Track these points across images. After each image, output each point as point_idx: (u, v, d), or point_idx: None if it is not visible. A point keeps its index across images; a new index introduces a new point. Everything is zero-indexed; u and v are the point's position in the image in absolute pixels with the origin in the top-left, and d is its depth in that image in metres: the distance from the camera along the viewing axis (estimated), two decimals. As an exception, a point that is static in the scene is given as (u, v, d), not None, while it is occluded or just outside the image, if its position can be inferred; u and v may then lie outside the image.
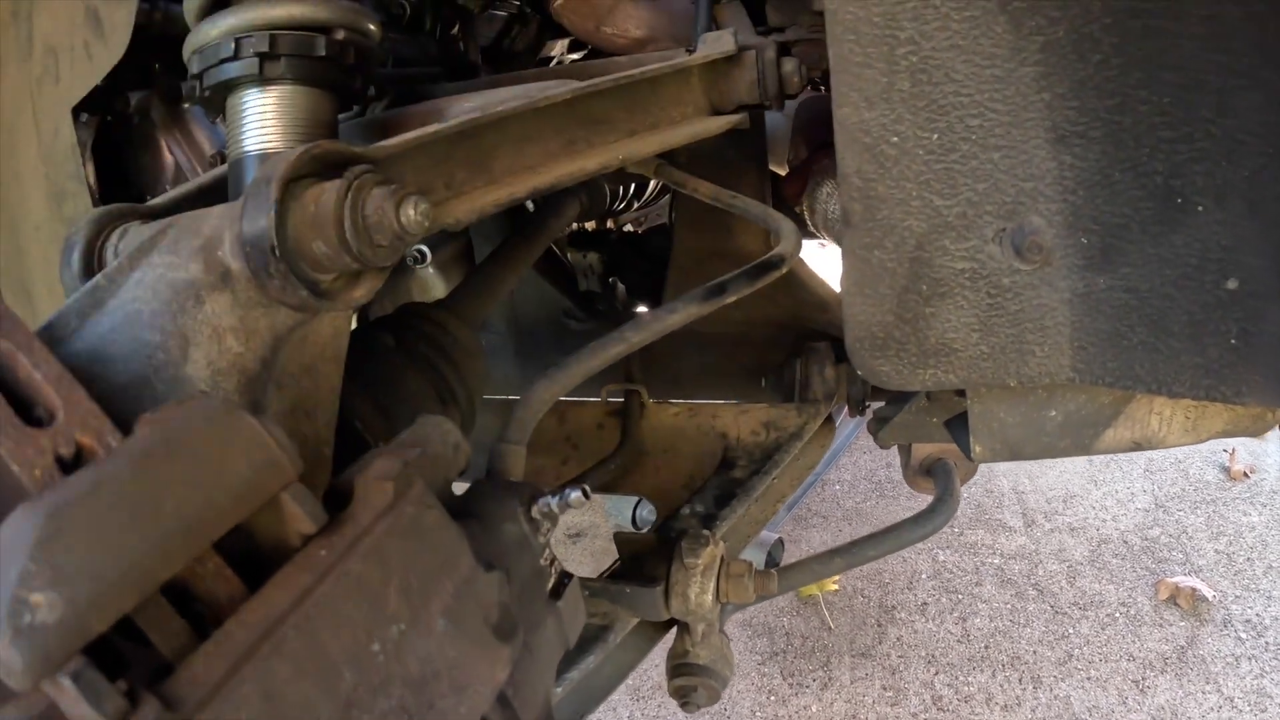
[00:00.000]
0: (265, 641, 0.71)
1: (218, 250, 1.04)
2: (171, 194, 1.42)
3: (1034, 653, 4.24)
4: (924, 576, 4.84)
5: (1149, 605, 4.48)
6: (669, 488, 2.19)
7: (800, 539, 5.32)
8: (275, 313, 1.07)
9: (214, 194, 1.44)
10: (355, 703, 0.76)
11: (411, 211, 1.06)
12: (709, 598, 1.74)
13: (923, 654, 4.31)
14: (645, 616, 1.81)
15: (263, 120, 1.40)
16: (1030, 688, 4.04)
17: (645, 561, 1.80)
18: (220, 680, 0.68)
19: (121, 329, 0.99)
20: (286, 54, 1.37)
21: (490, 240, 2.62)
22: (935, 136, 1.37)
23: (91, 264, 1.24)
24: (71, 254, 1.23)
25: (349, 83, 1.47)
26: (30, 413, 0.79)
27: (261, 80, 1.39)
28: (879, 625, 4.54)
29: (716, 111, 1.80)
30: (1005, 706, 3.96)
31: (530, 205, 2.31)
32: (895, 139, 1.39)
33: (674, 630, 1.91)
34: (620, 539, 1.88)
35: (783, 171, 2.80)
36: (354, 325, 1.33)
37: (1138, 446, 1.70)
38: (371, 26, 1.49)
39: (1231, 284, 1.30)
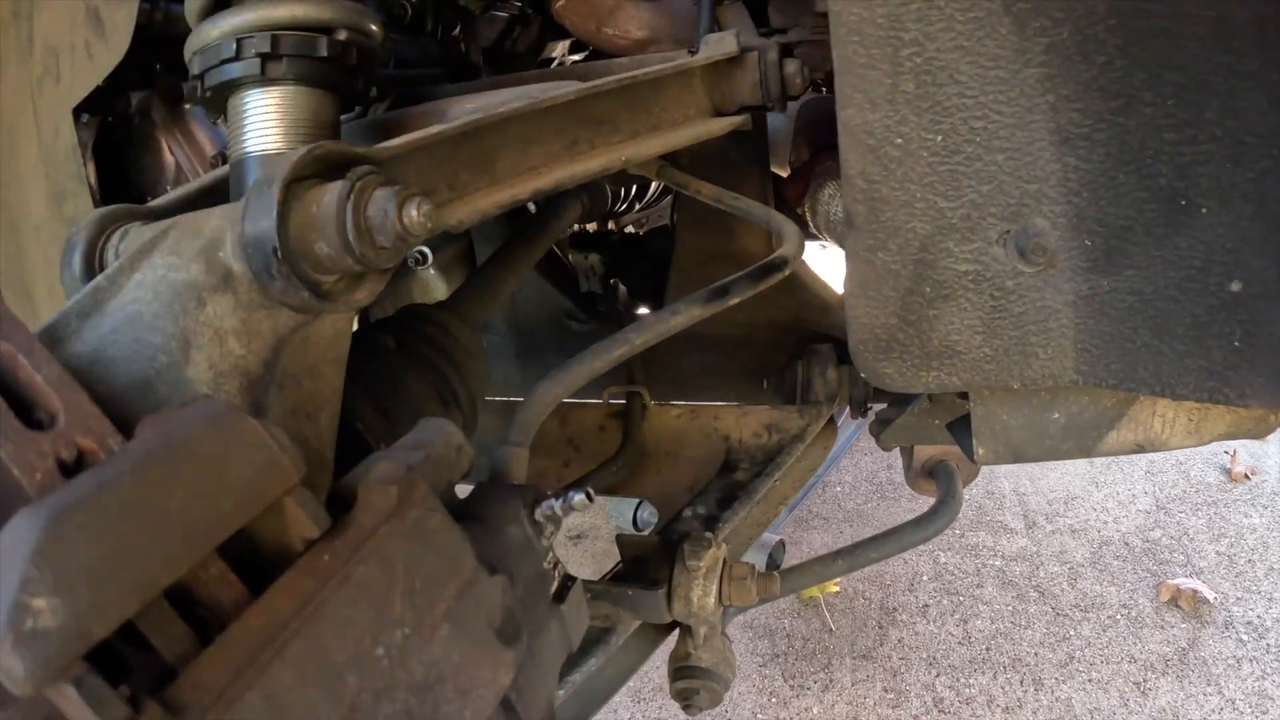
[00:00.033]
0: (269, 647, 0.71)
1: (219, 252, 1.04)
2: (173, 195, 1.41)
3: (1035, 655, 4.24)
4: (925, 578, 4.84)
5: (1150, 607, 4.47)
6: (671, 490, 2.19)
7: (801, 540, 5.32)
8: (277, 314, 1.07)
9: (215, 195, 1.43)
10: (359, 707, 0.75)
11: (414, 213, 1.06)
12: (711, 600, 1.73)
13: (924, 656, 4.31)
14: (648, 619, 1.81)
15: (264, 121, 1.39)
16: (1032, 690, 4.03)
17: (648, 564, 1.79)
18: (224, 686, 0.67)
19: (123, 330, 0.99)
20: (288, 54, 1.37)
21: (491, 241, 2.62)
22: (939, 138, 1.37)
23: (93, 265, 1.24)
24: (72, 255, 1.23)
25: (351, 83, 1.46)
26: (31, 415, 0.78)
27: (263, 81, 1.38)
28: (880, 627, 4.53)
29: (719, 113, 1.80)
30: (1007, 709, 3.96)
31: (531, 206, 2.31)
32: (899, 141, 1.38)
33: (676, 632, 1.90)
34: (623, 541, 1.87)
35: (784, 173, 2.80)
36: (355, 327, 1.32)
37: (1140, 449, 1.70)
38: (374, 27, 1.49)
39: (1235, 286, 1.29)
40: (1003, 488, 5.59)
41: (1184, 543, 4.94)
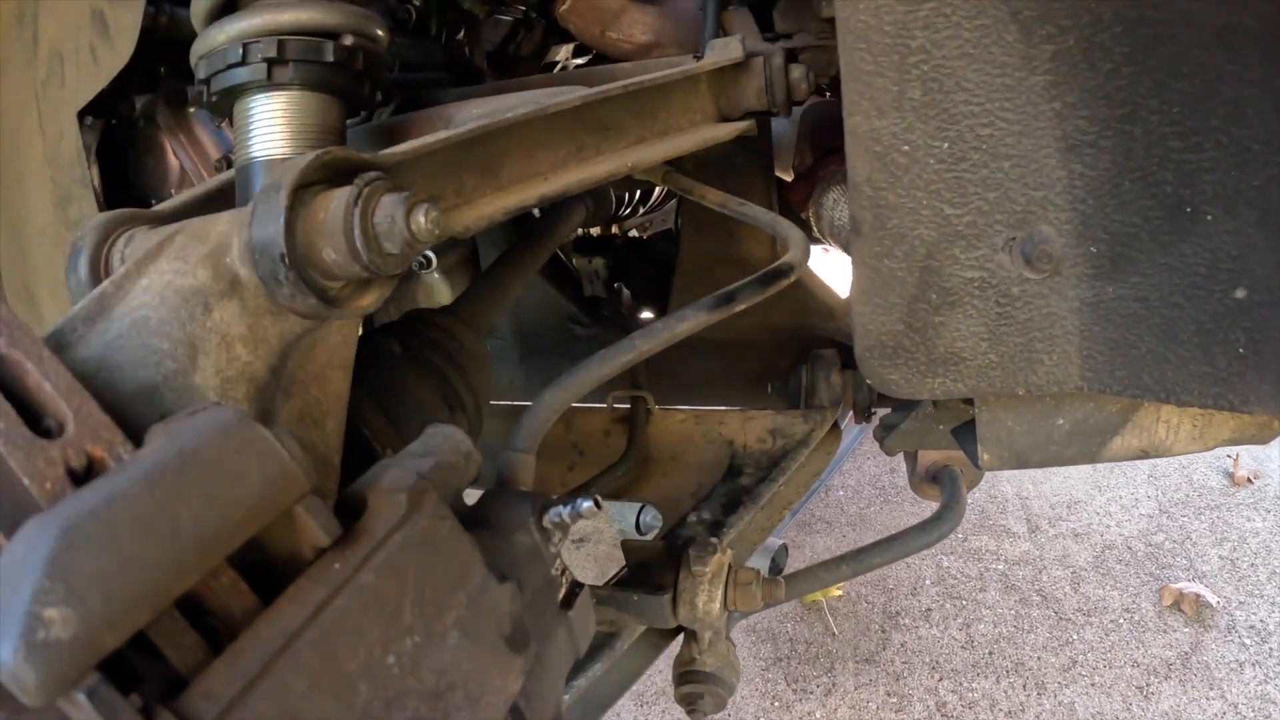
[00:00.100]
0: (280, 656, 0.70)
1: (226, 257, 1.04)
2: (178, 199, 1.41)
3: (1038, 659, 4.24)
4: (928, 582, 4.84)
5: (1153, 611, 4.47)
6: (676, 495, 2.19)
7: (804, 544, 5.32)
8: (284, 320, 1.07)
9: (221, 199, 1.43)
10: (371, 716, 0.75)
11: (421, 219, 1.06)
12: (717, 605, 1.74)
13: (927, 660, 4.31)
14: (653, 624, 1.81)
15: (270, 126, 1.39)
16: (1034, 694, 4.03)
17: (653, 569, 1.79)
18: (236, 695, 0.67)
19: (129, 336, 0.98)
20: (295, 59, 1.37)
21: (496, 246, 2.62)
22: (946, 145, 1.37)
23: (98, 269, 1.23)
24: (78, 259, 1.22)
25: (357, 88, 1.46)
26: (39, 423, 0.78)
27: (269, 86, 1.38)
28: (883, 631, 4.53)
29: (724, 118, 1.80)
30: (1009, 713, 3.96)
31: (536, 211, 2.31)
32: (906, 148, 1.38)
33: (680, 637, 1.90)
34: (628, 546, 1.87)
35: (788, 177, 2.80)
36: (360, 332, 1.32)
37: (1145, 454, 1.70)
38: (379, 32, 1.49)
39: (1240, 293, 1.30)
40: (1005, 492, 5.59)
41: (1186, 547, 4.94)
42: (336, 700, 0.73)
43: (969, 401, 1.74)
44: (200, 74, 1.43)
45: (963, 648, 4.36)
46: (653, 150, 1.61)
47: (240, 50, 1.36)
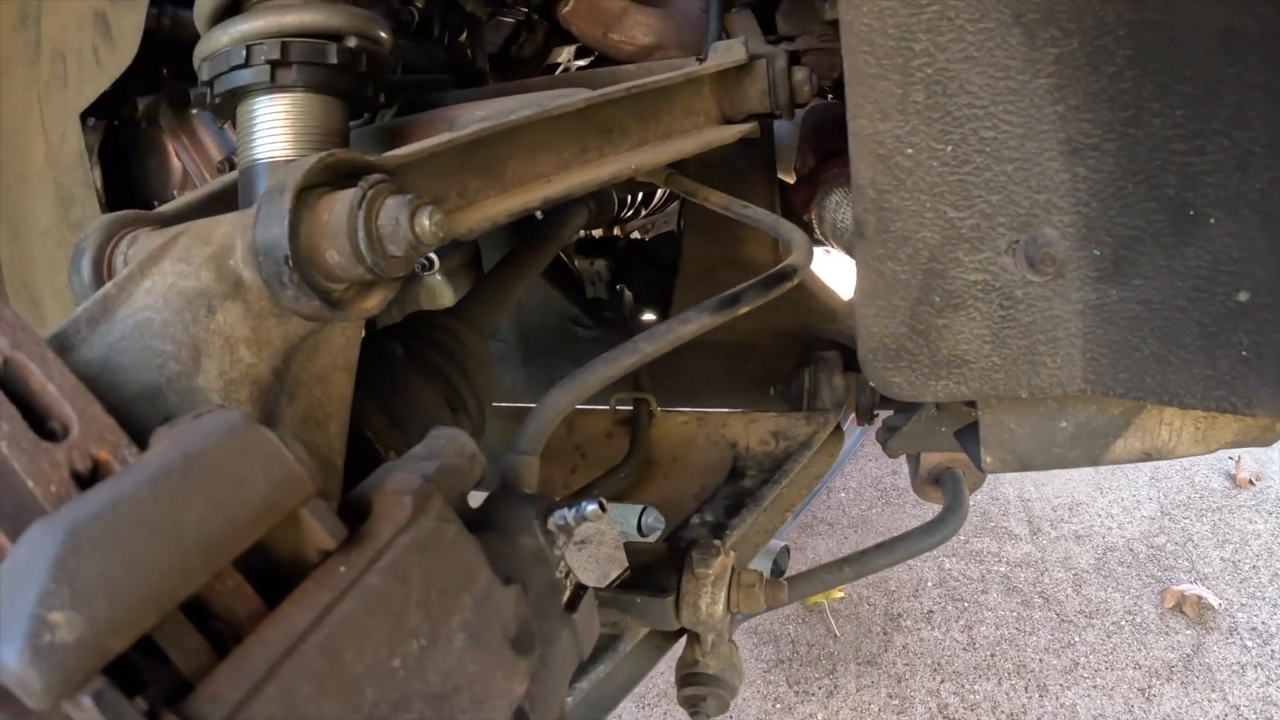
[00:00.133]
0: (286, 659, 0.70)
1: (229, 259, 1.04)
2: (181, 201, 1.41)
3: (1040, 661, 4.24)
4: (930, 584, 4.84)
5: (1155, 613, 4.47)
6: (678, 497, 2.19)
7: (806, 546, 5.32)
8: (288, 322, 1.07)
9: (224, 201, 1.43)
10: (377, 719, 0.75)
11: (426, 221, 1.06)
12: (720, 608, 1.74)
13: (928, 662, 4.31)
14: (656, 626, 1.81)
15: (274, 128, 1.39)
16: (1036, 696, 4.03)
17: (656, 571, 1.79)
18: (242, 699, 0.67)
19: (132, 338, 0.98)
20: (298, 61, 1.37)
21: (498, 248, 2.62)
22: (949, 148, 1.37)
23: (101, 271, 1.23)
24: (81, 260, 1.22)
25: (361, 90, 1.46)
26: (44, 426, 0.78)
27: (273, 88, 1.38)
28: (885, 633, 4.53)
29: (727, 120, 1.80)
30: (1011, 715, 3.96)
31: (538, 213, 2.31)
32: (910, 151, 1.38)
33: (683, 639, 1.90)
34: (631, 549, 1.87)
35: (789, 180, 2.80)
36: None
37: (1148, 457, 1.70)
38: (383, 34, 1.49)
39: (1243, 296, 1.30)
40: (1007, 494, 5.59)
41: (1188, 549, 4.94)
42: (342, 703, 0.73)
43: (972, 404, 1.74)
44: (203, 75, 1.43)
45: (965, 650, 4.36)
46: (656, 152, 1.61)
47: (244, 52, 1.36)
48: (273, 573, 0.80)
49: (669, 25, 2.17)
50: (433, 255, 2.37)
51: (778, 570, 4.49)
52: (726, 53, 1.74)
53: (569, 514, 1.14)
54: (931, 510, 2.22)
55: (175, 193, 2.22)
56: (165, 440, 0.76)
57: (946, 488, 2.29)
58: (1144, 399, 1.42)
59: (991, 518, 5.36)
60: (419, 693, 0.80)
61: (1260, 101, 1.23)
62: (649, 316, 3.05)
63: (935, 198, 1.40)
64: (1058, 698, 4.01)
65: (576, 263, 3.14)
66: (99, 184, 2.05)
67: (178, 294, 1.01)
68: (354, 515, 0.86)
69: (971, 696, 4.07)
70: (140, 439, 0.81)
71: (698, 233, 2.48)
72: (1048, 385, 1.48)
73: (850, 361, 2.27)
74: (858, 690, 4.19)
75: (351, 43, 1.41)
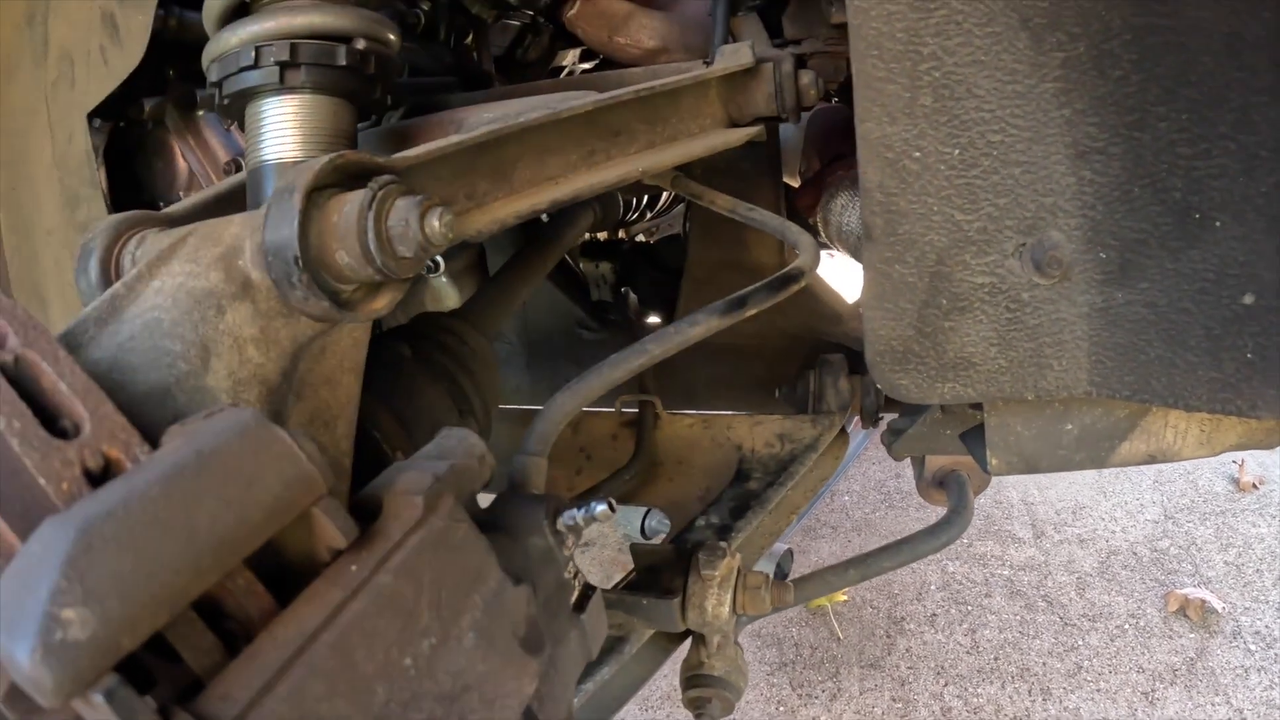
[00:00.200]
0: (298, 658, 0.70)
1: (238, 259, 1.04)
2: (189, 201, 1.41)
3: (1043, 664, 4.23)
4: (933, 587, 4.83)
5: (1158, 617, 4.47)
6: (683, 499, 2.19)
7: (809, 549, 5.32)
8: (296, 323, 1.07)
9: (231, 202, 1.43)
10: (388, 717, 0.75)
11: (435, 222, 1.06)
12: (726, 609, 1.74)
13: (932, 665, 4.31)
14: (662, 628, 1.81)
15: (282, 129, 1.39)
16: (1040, 699, 4.03)
17: (662, 573, 1.79)
18: (254, 697, 0.67)
19: (141, 337, 0.98)
20: (307, 63, 1.37)
21: (503, 250, 2.62)
22: (957, 152, 1.37)
23: (109, 271, 1.23)
24: (88, 260, 1.22)
25: (369, 92, 1.46)
26: (55, 424, 0.78)
27: (282, 89, 1.38)
28: (888, 636, 4.53)
29: (734, 124, 1.80)
30: (1014, 718, 3.95)
31: (544, 216, 2.31)
32: (917, 154, 1.39)
33: (688, 641, 1.90)
34: (637, 550, 1.87)
35: (795, 183, 2.80)
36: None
37: (1153, 459, 1.70)
38: (391, 36, 1.49)
39: (1248, 299, 1.30)
40: (1011, 497, 5.58)
41: (1192, 552, 4.94)
42: (354, 702, 0.73)
43: (977, 406, 1.75)
44: (212, 77, 1.43)
45: (968, 653, 4.36)
46: (663, 155, 1.61)
47: (253, 53, 1.37)
48: (284, 572, 0.80)
49: (674, 29, 2.17)
50: (438, 258, 2.38)
51: (781, 573, 4.48)
52: (733, 56, 1.75)
53: (578, 514, 1.14)
54: (934, 513, 2.22)
55: (181, 194, 2.22)
56: (177, 438, 0.76)
57: (951, 490, 2.28)
58: (1149, 401, 1.42)
59: (995, 521, 5.35)
60: (429, 692, 0.80)
61: (1266, 105, 1.23)
62: (654, 319, 3.05)
63: (942, 201, 1.40)
64: (1061, 701, 4.01)
65: (582, 265, 3.14)
66: (104, 185, 2.05)
67: (187, 294, 1.02)
68: (364, 515, 0.86)
69: (975, 700, 4.07)
70: (149, 438, 0.81)
71: (703, 235, 2.48)
72: (1054, 387, 1.48)
73: (855, 364, 2.28)
74: (861, 693, 4.19)
75: (360, 44, 1.41)
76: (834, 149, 2.65)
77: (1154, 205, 1.33)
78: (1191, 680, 4.05)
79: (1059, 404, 1.63)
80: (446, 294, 2.51)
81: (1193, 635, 4.32)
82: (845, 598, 4.79)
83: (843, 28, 1.43)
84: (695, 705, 1.89)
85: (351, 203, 1.04)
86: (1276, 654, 4.14)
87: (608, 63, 2.45)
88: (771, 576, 1.84)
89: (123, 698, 0.62)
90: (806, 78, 1.78)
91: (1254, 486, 5.44)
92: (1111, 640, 4.34)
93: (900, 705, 4.09)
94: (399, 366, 1.59)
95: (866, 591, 4.82)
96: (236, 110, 1.45)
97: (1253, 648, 4.20)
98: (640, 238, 3.96)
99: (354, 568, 0.79)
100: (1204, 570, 4.78)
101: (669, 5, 2.25)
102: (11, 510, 0.73)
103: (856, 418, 2.33)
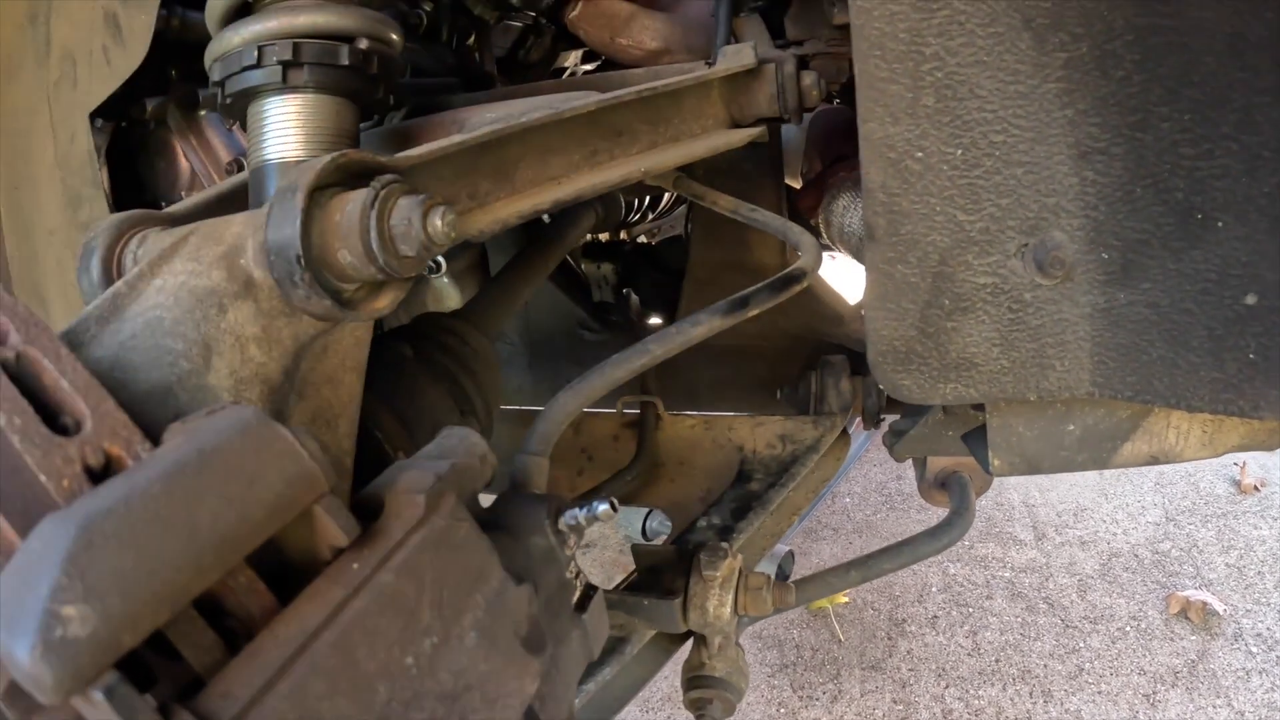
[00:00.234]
0: (299, 656, 0.70)
1: (240, 258, 1.04)
2: (191, 201, 1.41)
3: (1045, 666, 4.23)
4: (934, 589, 4.83)
5: (1160, 619, 4.47)
6: (685, 500, 2.19)
7: (810, 551, 5.32)
8: (298, 322, 1.07)
9: (233, 201, 1.43)
10: (389, 716, 0.75)
11: (438, 222, 1.06)
12: (727, 610, 1.74)
13: (933, 667, 4.31)
14: (663, 628, 1.81)
15: (285, 128, 1.40)
16: (1041, 702, 4.03)
17: (663, 574, 1.80)
18: (254, 695, 0.67)
19: (143, 336, 0.98)
20: (310, 62, 1.37)
21: (505, 250, 2.62)
22: (959, 152, 1.37)
23: (110, 270, 1.23)
24: (90, 259, 1.21)
25: (371, 92, 1.47)
26: (56, 421, 0.78)
27: (284, 88, 1.39)
28: (889, 638, 4.53)
29: (736, 124, 1.80)
30: (1015, 720, 3.96)
31: (545, 217, 2.31)
32: (920, 154, 1.38)
33: (689, 642, 1.90)
34: (638, 551, 1.87)
35: (796, 184, 2.80)
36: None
37: (1155, 460, 1.70)
38: (394, 36, 1.49)
39: (1251, 299, 1.30)
40: (1012, 499, 5.59)
41: (1193, 555, 4.94)
42: (355, 701, 0.73)
43: (979, 407, 1.75)
44: (215, 76, 1.44)
45: (969, 655, 4.36)
46: (665, 156, 1.61)
47: (255, 52, 1.37)
48: (286, 570, 0.80)
49: (676, 30, 2.17)
50: (440, 258, 2.38)
51: (783, 575, 4.49)
52: (735, 57, 1.75)
53: (580, 514, 1.14)
54: (936, 515, 2.22)
55: (183, 194, 2.22)
56: (179, 436, 0.76)
57: (953, 491, 2.29)
58: (1151, 402, 1.42)
59: (996, 523, 5.36)
60: (431, 691, 0.80)
61: (1268, 106, 1.23)
62: (655, 320, 3.06)
63: (945, 201, 1.40)
64: (1062, 703, 4.01)
65: (583, 266, 3.14)
66: (106, 185, 2.05)
67: (189, 293, 1.02)
68: (366, 514, 0.86)
69: (976, 702, 4.07)
70: (151, 437, 0.81)
71: (705, 236, 2.49)
72: (1056, 388, 1.48)
73: (857, 365, 2.28)
74: (862, 695, 4.19)
75: (363, 44, 1.41)
76: (836, 150, 2.65)
77: (1156, 205, 1.33)
78: (1193, 682, 4.05)
79: (1061, 405, 1.63)
80: (448, 294, 2.51)
81: (1194, 637, 4.32)
82: (846, 600, 4.79)
83: (845, 28, 1.43)
84: (696, 706, 1.89)
85: (354, 202, 1.04)
86: (1278, 656, 4.14)
87: (610, 64, 2.45)
88: (773, 578, 1.84)
89: (123, 695, 0.62)
90: (809, 78, 1.78)
91: (1255, 489, 5.44)
92: (1113, 642, 4.34)
93: (901, 707, 4.09)
94: (400, 366, 1.59)
95: (867, 593, 4.82)
96: (239, 110, 1.45)
97: (1254, 650, 4.20)
98: (642, 239, 3.97)
99: (356, 566, 0.79)
100: (1205, 572, 4.77)
101: (671, 6, 2.25)
102: (12, 507, 0.73)
103: (858, 419, 2.33)
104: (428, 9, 2.15)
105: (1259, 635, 4.28)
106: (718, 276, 2.46)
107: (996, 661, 4.29)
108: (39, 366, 0.80)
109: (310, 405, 1.13)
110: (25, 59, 1.96)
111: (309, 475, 0.77)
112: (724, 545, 1.79)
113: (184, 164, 2.24)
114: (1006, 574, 4.91)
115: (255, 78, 1.38)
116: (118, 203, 2.10)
